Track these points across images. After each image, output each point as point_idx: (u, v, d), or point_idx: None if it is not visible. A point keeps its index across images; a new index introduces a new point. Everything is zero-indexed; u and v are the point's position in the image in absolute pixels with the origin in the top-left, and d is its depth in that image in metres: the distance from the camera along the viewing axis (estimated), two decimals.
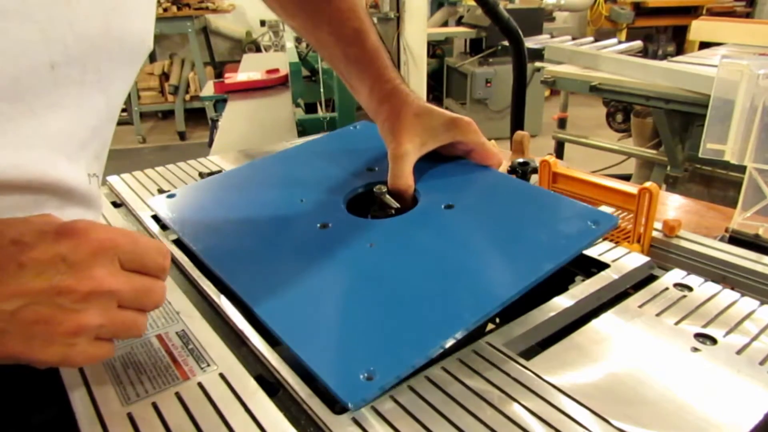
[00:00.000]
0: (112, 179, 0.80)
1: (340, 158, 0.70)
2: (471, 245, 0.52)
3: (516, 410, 0.37)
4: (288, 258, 0.53)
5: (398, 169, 0.61)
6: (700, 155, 0.78)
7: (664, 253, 0.63)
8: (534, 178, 0.77)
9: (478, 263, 0.50)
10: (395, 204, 0.60)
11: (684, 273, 0.53)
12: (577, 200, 0.56)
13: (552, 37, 2.80)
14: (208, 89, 2.46)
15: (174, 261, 0.58)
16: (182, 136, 4.77)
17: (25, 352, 0.34)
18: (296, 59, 2.42)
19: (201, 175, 0.80)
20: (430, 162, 0.67)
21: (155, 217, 0.68)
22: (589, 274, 0.54)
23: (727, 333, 0.44)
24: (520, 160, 0.80)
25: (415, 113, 0.64)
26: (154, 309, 0.40)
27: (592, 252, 0.57)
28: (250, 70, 2.51)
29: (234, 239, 0.58)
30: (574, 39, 2.57)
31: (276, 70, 2.41)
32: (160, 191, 0.76)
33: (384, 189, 0.61)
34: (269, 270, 0.52)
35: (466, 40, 4.80)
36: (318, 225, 0.57)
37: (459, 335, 0.42)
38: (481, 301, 0.44)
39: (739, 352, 0.42)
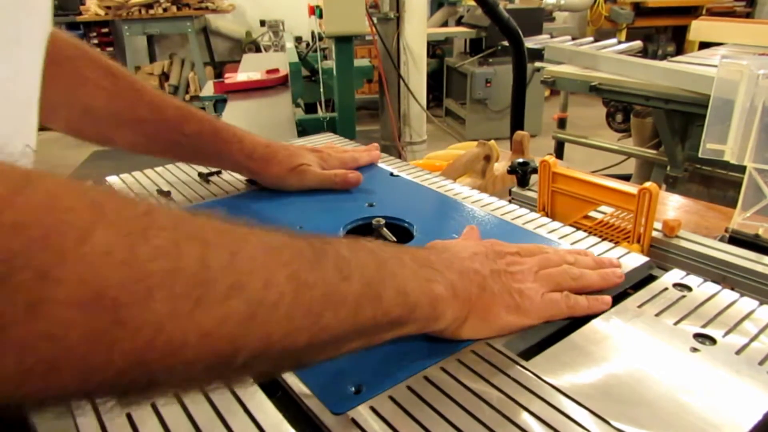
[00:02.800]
0: (112, 179, 0.80)
1: (341, 193, 0.74)
2: None
3: (515, 410, 0.37)
4: None
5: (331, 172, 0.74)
6: (700, 155, 0.77)
7: (663, 254, 0.63)
8: (534, 178, 0.77)
9: None
10: (392, 237, 0.63)
11: (683, 273, 0.53)
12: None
13: (552, 37, 2.80)
14: (208, 89, 2.46)
15: None
16: None
17: (510, 301, 0.45)
18: (296, 59, 2.42)
19: (200, 175, 0.80)
20: (427, 201, 0.72)
21: None
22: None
23: (727, 333, 0.44)
24: (520, 160, 0.80)
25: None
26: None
27: (593, 252, 0.57)
28: (249, 70, 2.51)
29: None
30: (574, 39, 2.57)
31: (276, 70, 2.41)
32: (159, 192, 0.76)
33: (382, 222, 0.63)
34: None
35: (466, 40, 4.80)
36: None
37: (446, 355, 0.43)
38: None
39: (738, 353, 0.42)
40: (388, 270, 0.38)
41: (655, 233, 0.64)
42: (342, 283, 0.34)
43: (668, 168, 1.95)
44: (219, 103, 2.35)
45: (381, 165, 0.84)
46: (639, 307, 0.48)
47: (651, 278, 0.54)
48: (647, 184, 0.61)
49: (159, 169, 0.83)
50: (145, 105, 0.67)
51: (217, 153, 0.71)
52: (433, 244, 0.49)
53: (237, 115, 1.99)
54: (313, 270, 0.33)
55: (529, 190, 0.78)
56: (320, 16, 2.18)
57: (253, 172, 0.74)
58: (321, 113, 2.68)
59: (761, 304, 0.48)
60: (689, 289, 0.50)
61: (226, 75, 2.43)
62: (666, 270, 0.54)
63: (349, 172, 0.74)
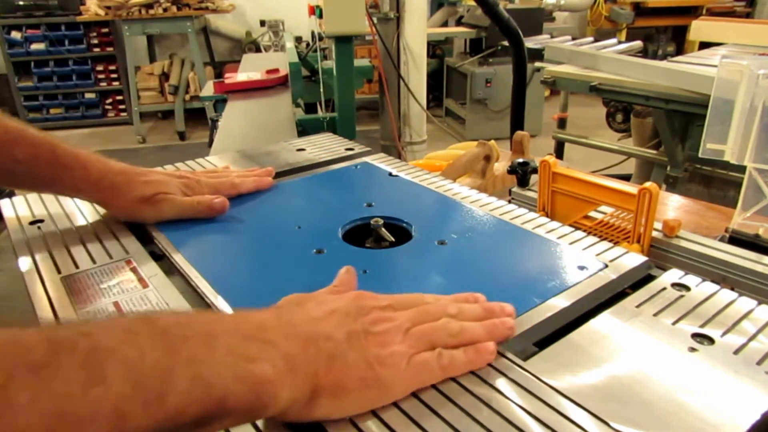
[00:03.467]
0: None
1: (339, 193, 0.73)
2: (460, 278, 0.54)
3: (513, 411, 0.37)
4: (282, 279, 0.54)
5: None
6: (700, 155, 0.77)
7: (664, 253, 0.63)
8: (534, 178, 0.77)
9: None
10: (390, 237, 0.63)
11: (682, 273, 0.53)
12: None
13: (552, 37, 2.80)
14: (208, 89, 2.46)
15: (172, 262, 0.59)
16: (182, 136, 4.77)
17: (366, 374, 0.38)
18: (296, 59, 2.42)
19: None
20: (427, 201, 0.71)
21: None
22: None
23: (725, 333, 0.44)
24: (520, 160, 0.80)
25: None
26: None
27: (591, 252, 0.57)
28: (249, 70, 2.50)
29: (229, 257, 0.60)
30: (574, 39, 2.57)
31: (276, 70, 2.41)
32: None
33: (380, 222, 0.63)
34: (263, 289, 0.53)
35: (466, 40, 4.80)
36: (313, 250, 0.59)
37: None
38: None
39: (736, 352, 0.42)
40: (182, 356, 0.32)
41: (655, 233, 0.64)
42: (92, 390, 0.27)
43: (668, 168, 1.95)
44: (219, 103, 2.34)
45: (380, 165, 0.84)
46: (637, 306, 0.48)
47: (649, 278, 0.54)
48: (647, 184, 0.61)
49: (158, 169, 0.83)
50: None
51: (56, 180, 0.64)
52: (288, 300, 0.45)
53: (237, 115, 1.99)
54: (38, 379, 0.26)
55: (529, 190, 0.78)
56: (320, 16, 2.18)
57: (101, 202, 0.67)
58: (321, 113, 2.67)
59: (759, 303, 0.48)
60: (688, 288, 0.50)
61: (226, 75, 2.43)
62: (666, 270, 0.54)
63: (215, 198, 0.67)
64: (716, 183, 1.86)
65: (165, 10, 4.39)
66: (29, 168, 0.62)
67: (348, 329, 0.40)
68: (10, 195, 0.77)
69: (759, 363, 0.41)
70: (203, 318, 0.39)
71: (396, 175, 0.79)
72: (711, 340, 0.43)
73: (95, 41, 4.85)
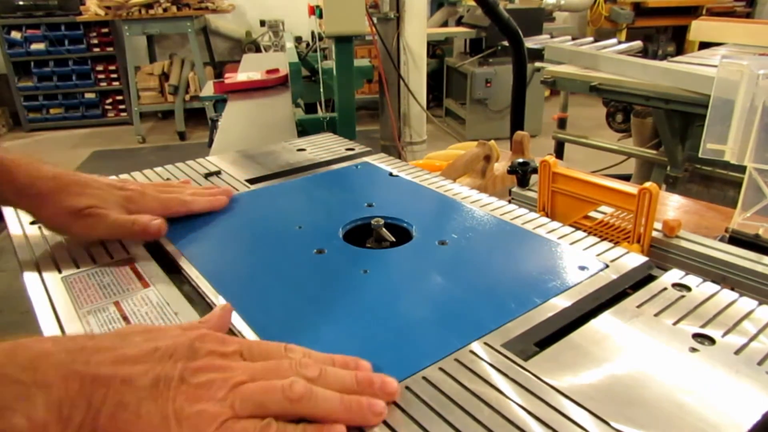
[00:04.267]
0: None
1: (340, 193, 0.73)
2: (461, 279, 0.53)
3: (514, 411, 0.37)
4: (282, 278, 0.54)
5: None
6: (700, 155, 0.77)
7: (664, 254, 0.63)
8: (534, 178, 0.77)
9: (467, 295, 0.51)
10: (391, 237, 0.63)
11: (682, 273, 0.53)
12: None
13: (552, 37, 2.80)
14: (208, 89, 2.45)
15: (173, 262, 0.59)
16: (182, 136, 4.78)
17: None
18: (296, 59, 2.42)
19: (206, 177, 0.81)
20: (427, 201, 0.71)
21: None
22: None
23: (726, 333, 0.44)
24: (520, 160, 0.80)
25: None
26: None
27: (592, 252, 0.57)
28: (249, 70, 2.50)
29: (229, 257, 0.60)
30: (574, 39, 2.57)
31: (276, 70, 2.41)
32: None
33: (381, 222, 0.63)
34: (264, 289, 0.53)
35: (466, 40, 4.80)
36: (314, 250, 0.59)
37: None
38: (467, 330, 0.45)
39: (737, 353, 0.42)
40: None
41: (655, 233, 0.64)
42: None
43: (668, 168, 1.95)
44: (219, 103, 2.34)
45: (381, 165, 0.84)
46: (638, 307, 0.48)
47: (650, 278, 0.54)
48: (647, 184, 0.61)
49: (159, 169, 0.83)
50: None
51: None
52: (123, 329, 0.41)
53: (237, 115, 1.99)
54: None
55: (529, 190, 0.78)
56: (320, 16, 2.18)
57: (29, 212, 0.60)
58: (321, 113, 2.67)
59: (760, 304, 0.48)
60: (688, 289, 0.50)
61: (226, 75, 2.43)
62: (666, 270, 0.54)
63: (153, 219, 0.59)
64: (716, 183, 1.86)
65: (165, 10, 4.40)
66: None
67: (158, 373, 0.35)
68: None
69: (760, 363, 0.41)
70: None
71: (396, 175, 0.79)
72: (712, 341, 0.43)
73: (95, 41, 4.86)
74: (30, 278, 0.55)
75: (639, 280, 0.54)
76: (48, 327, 0.49)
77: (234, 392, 0.35)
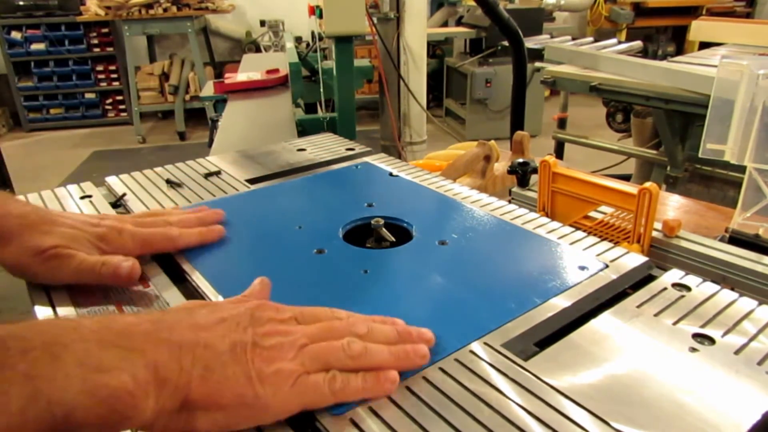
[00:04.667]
0: (111, 180, 0.80)
1: (340, 193, 0.73)
2: (461, 278, 0.54)
3: (514, 411, 0.37)
4: (283, 278, 0.54)
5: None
6: (700, 155, 0.77)
7: (664, 254, 0.63)
8: (534, 178, 0.77)
9: (467, 295, 0.51)
10: (391, 237, 0.63)
11: (682, 273, 0.53)
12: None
13: (552, 37, 2.80)
14: (208, 89, 2.46)
15: (173, 262, 0.59)
16: (182, 136, 4.78)
17: (244, 389, 0.36)
18: (296, 59, 2.42)
19: (206, 177, 0.81)
20: (427, 201, 0.71)
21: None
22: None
23: (726, 333, 0.44)
24: (520, 160, 0.80)
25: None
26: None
27: (592, 252, 0.57)
28: (249, 70, 2.50)
29: (230, 257, 0.60)
30: (574, 39, 2.57)
31: (276, 71, 2.41)
32: (169, 182, 0.76)
33: (381, 222, 0.63)
34: None
35: (466, 40, 4.80)
36: (314, 250, 0.59)
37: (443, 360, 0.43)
38: (467, 330, 0.45)
39: (737, 353, 0.42)
40: (17, 371, 0.30)
41: (655, 233, 0.64)
42: None
43: (668, 168, 1.95)
44: (219, 103, 2.34)
45: (381, 165, 0.84)
46: (638, 307, 0.48)
47: (650, 278, 0.54)
48: (647, 184, 0.61)
49: (158, 169, 0.83)
50: None
51: None
52: (182, 305, 0.42)
53: (237, 115, 1.99)
54: None
55: (529, 190, 0.78)
56: (320, 16, 2.18)
57: None
58: (321, 113, 2.67)
59: (760, 304, 0.48)
60: (688, 289, 0.50)
61: (226, 75, 2.43)
62: (666, 270, 0.54)
63: (124, 261, 0.52)
64: (716, 183, 1.86)
65: (165, 10, 4.40)
66: None
67: (234, 339, 0.38)
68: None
69: (759, 363, 0.41)
70: (53, 326, 0.35)
71: (396, 175, 0.79)
72: (712, 341, 0.43)
73: (95, 41, 4.86)
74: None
75: (639, 280, 0.54)
76: None
77: (302, 352, 0.39)
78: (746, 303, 0.48)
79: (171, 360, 0.35)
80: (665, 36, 5.42)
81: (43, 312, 0.50)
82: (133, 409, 0.33)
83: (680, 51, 5.03)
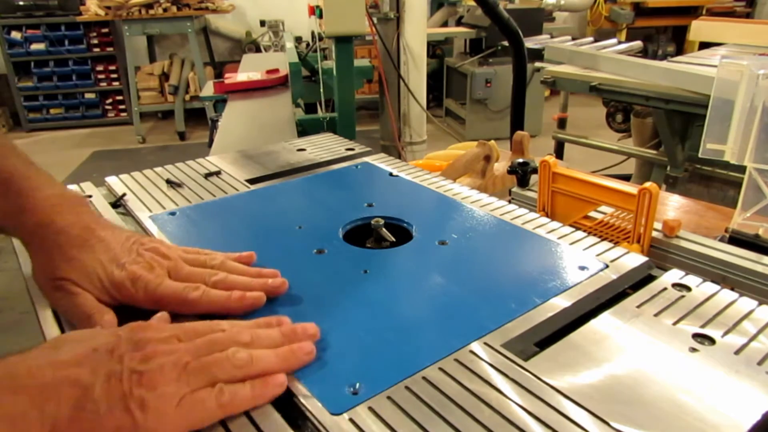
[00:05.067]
0: (111, 180, 0.80)
1: (340, 193, 0.73)
2: (461, 279, 0.54)
3: (514, 411, 0.37)
4: (283, 278, 0.54)
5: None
6: (700, 155, 0.77)
7: (664, 254, 0.63)
8: (534, 178, 0.77)
9: (467, 295, 0.51)
10: (391, 237, 0.63)
11: (682, 273, 0.53)
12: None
13: (552, 37, 2.80)
14: (208, 89, 2.46)
15: None
16: (182, 136, 4.78)
17: (123, 422, 0.34)
18: (296, 59, 2.42)
19: (206, 177, 0.81)
20: (427, 201, 0.71)
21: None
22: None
23: (726, 333, 0.44)
24: (520, 160, 0.80)
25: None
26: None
27: (592, 252, 0.57)
28: (249, 70, 2.50)
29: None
30: (574, 39, 2.57)
31: (276, 70, 2.41)
32: (169, 182, 0.76)
33: (381, 222, 0.63)
34: None
35: (466, 40, 4.80)
36: (314, 250, 0.59)
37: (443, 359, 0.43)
38: (467, 330, 0.45)
39: (737, 353, 0.42)
40: None
41: (655, 233, 0.64)
42: None
43: (668, 168, 1.95)
44: (219, 103, 2.35)
45: (381, 165, 0.84)
46: (638, 307, 0.48)
47: (650, 278, 0.54)
48: (647, 184, 0.61)
49: (158, 169, 0.83)
50: None
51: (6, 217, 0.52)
52: (50, 343, 0.39)
53: (237, 115, 1.99)
54: None
55: (529, 190, 0.78)
56: (320, 16, 2.18)
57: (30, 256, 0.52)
58: (321, 113, 2.67)
59: (760, 304, 0.48)
60: (688, 289, 0.50)
61: (226, 75, 2.43)
62: (666, 270, 0.54)
63: (106, 314, 0.48)
64: (716, 183, 1.86)
65: (165, 10, 4.40)
66: None
67: (107, 370, 0.36)
68: None
69: (759, 363, 0.41)
70: None
71: (396, 175, 0.79)
72: (712, 341, 0.43)
73: (95, 41, 4.86)
74: (30, 278, 0.55)
75: (639, 280, 0.54)
76: (49, 327, 0.49)
77: (186, 370, 0.38)
78: (746, 303, 0.48)
79: (31, 408, 0.33)
80: (665, 36, 5.42)
81: (43, 313, 0.50)
82: None
83: (680, 51, 5.03)
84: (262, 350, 0.41)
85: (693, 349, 0.42)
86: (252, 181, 0.79)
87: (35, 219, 0.51)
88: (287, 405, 0.40)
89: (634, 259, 0.56)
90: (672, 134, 1.90)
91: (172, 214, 0.68)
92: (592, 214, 0.69)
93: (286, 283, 0.51)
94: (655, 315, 0.47)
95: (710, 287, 0.50)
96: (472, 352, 0.43)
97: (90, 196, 0.75)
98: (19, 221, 0.51)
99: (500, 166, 1.00)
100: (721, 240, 0.67)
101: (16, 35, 4.69)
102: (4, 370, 0.35)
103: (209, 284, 0.50)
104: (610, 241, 0.61)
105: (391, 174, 0.80)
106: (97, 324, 0.47)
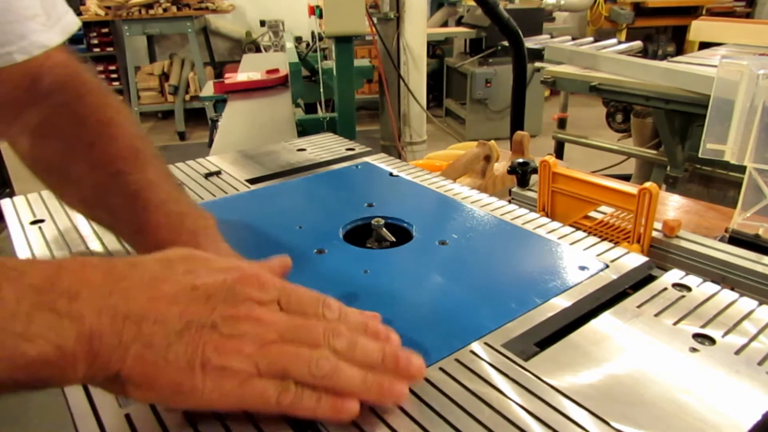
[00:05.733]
0: None
1: (340, 193, 0.73)
2: (461, 279, 0.54)
3: (514, 411, 0.37)
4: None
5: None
6: (700, 155, 0.77)
7: (663, 254, 0.63)
8: (534, 178, 0.77)
9: (467, 295, 0.51)
10: (391, 237, 0.63)
11: (683, 273, 0.53)
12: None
13: (552, 37, 2.80)
14: (208, 89, 2.46)
15: None
16: (182, 136, 4.77)
17: (182, 378, 0.33)
18: (296, 59, 2.42)
19: (206, 177, 0.81)
20: (427, 201, 0.71)
21: None
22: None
23: (726, 333, 0.44)
24: (520, 160, 0.80)
25: None
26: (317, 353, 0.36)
27: (592, 252, 0.57)
28: (249, 70, 2.50)
29: None
30: (574, 39, 2.57)
31: (276, 71, 2.41)
32: None
33: (381, 222, 0.63)
34: None
35: (466, 40, 4.80)
36: (314, 250, 0.59)
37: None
38: (467, 330, 0.45)
39: (737, 353, 0.42)
40: None
41: (655, 233, 0.64)
42: None
43: (668, 168, 1.95)
44: (219, 103, 2.35)
45: (381, 165, 0.84)
46: (638, 307, 0.48)
47: (650, 278, 0.54)
48: (647, 184, 0.61)
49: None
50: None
51: (135, 218, 0.50)
52: (164, 257, 0.38)
53: (237, 115, 1.99)
54: None
55: (529, 190, 0.78)
56: (320, 16, 2.18)
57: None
58: (321, 113, 2.68)
59: (760, 304, 0.48)
60: (688, 289, 0.50)
61: (226, 75, 2.43)
62: (666, 270, 0.54)
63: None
64: (716, 183, 1.86)
65: (165, 10, 4.40)
66: (116, 222, 0.53)
67: (192, 318, 0.34)
68: (11, 195, 0.77)
69: (760, 363, 0.41)
70: None
71: (396, 175, 0.79)
72: (712, 341, 0.43)
73: (95, 41, 4.86)
74: None
75: (639, 280, 0.54)
76: None
77: (262, 350, 0.35)
78: (746, 303, 0.48)
79: (111, 333, 0.32)
80: (665, 36, 5.42)
81: None
82: (58, 377, 0.32)
83: (680, 51, 5.03)
84: (350, 369, 0.36)
85: (693, 349, 0.42)
86: (252, 181, 0.79)
87: (153, 240, 0.48)
88: None
89: (634, 259, 0.56)
90: (672, 134, 1.90)
91: None
92: (592, 214, 0.69)
93: (424, 368, 0.39)
94: (656, 315, 0.47)
95: (710, 287, 0.50)
96: (472, 352, 0.43)
97: None
98: (143, 241, 0.49)
99: (500, 166, 1.00)
100: (721, 240, 0.67)
101: None
102: (106, 278, 0.34)
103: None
104: (610, 241, 0.61)
105: (391, 174, 0.80)
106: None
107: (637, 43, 2.50)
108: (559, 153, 2.46)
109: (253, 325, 0.35)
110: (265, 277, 0.38)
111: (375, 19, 2.91)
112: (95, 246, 0.62)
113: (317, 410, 0.35)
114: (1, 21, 0.52)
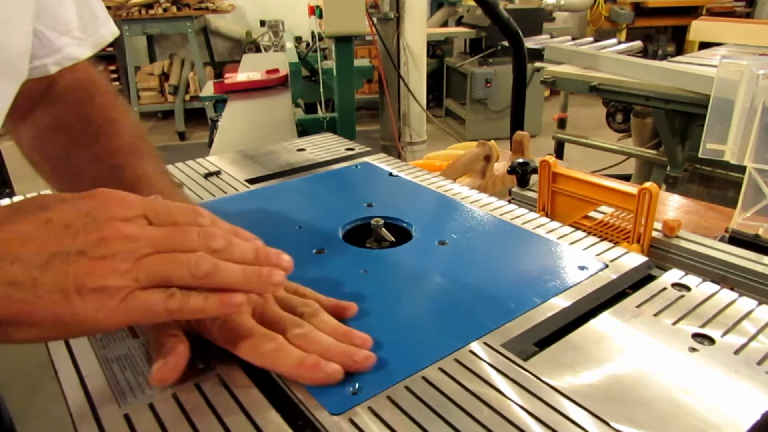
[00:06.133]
0: None
1: (340, 193, 0.73)
2: (461, 279, 0.53)
3: (514, 411, 0.37)
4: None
5: None
6: (700, 155, 0.77)
7: (663, 254, 0.63)
8: (534, 178, 0.77)
9: (466, 295, 0.51)
10: (391, 237, 0.63)
11: (682, 273, 0.53)
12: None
13: (552, 37, 2.80)
14: (208, 89, 2.46)
15: None
16: (182, 136, 4.78)
17: (59, 308, 0.33)
18: (296, 59, 2.42)
19: (206, 177, 0.81)
20: (427, 201, 0.71)
21: None
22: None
23: (725, 333, 0.44)
24: (520, 160, 0.80)
25: None
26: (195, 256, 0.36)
27: (591, 252, 0.57)
28: (249, 70, 2.51)
29: None
30: (574, 39, 2.57)
31: (276, 71, 2.41)
32: None
33: (381, 222, 0.63)
34: None
35: (466, 40, 4.80)
36: (314, 250, 0.59)
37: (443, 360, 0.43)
38: (467, 330, 0.45)
39: (737, 352, 0.42)
40: None
41: (655, 233, 0.64)
42: None
43: (668, 168, 1.96)
44: (219, 103, 2.35)
45: (381, 165, 0.84)
46: (638, 307, 0.48)
47: (650, 278, 0.54)
48: (647, 184, 0.61)
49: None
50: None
51: None
52: (22, 202, 0.36)
53: (237, 115, 1.99)
54: None
55: (529, 190, 0.78)
56: (320, 16, 2.18)
57: None
58: (321, 113, 2.68)
59: (760, 303, 0.48)
60: (688, 288, 0.50)
61: (226, 75, 2.43)
62: (666, 270, 0.54)
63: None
64: (716, 183, 1.86)
65: (165, 10, 4.40)
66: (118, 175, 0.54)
67: (55, 251, 0.33)
68: (11, 195, 0.77)
69: (759, 363, 0.41)
70: None
71: (396, 175, 0.79)
72: (711, 341, 0.43)
73: None
74: None
75: (639, 280, 0.54)
76: None
77: (139, 264, 0.35)
78: (746, 303, 0.48)
79: None
80: (665, 36, 5.42)
81: None
82: None
83: (680, 51, 5.04)
84: (230, 264, 0.37)
85: (693, 349, 0.42)
86: (252, 181, 0.79)
87: None
88: (287, 405, 0.40)
89: (634, 259, 0.56)
90: (672, 134, 1.90)
91: None
92: (592, 214, 0.69)
93: (373, 357, 0.41)
94: (655, 315, 0.47)
95: (710, 287, 0.50)
96: (471, 352, 0.43)
97: None
98: None
99: (500, 166, 1.00)
100: (721, 240, 0.67)
101: None
102: None
103: (289, 336, 0.41)
104: (610, 241, 0.61)
105: (390, 174, 0.80)
106: (170, 353, 0.39)
107: (637, 43, 2.50)
108: (559, 153, 2.47)
109: (123, 242, 0.35)
110: (125, 194, 0.38)
111: (375, 19, 2.92)
112: None
113: (206, 308, 0.36)
114: (44, 35, 0.53)
